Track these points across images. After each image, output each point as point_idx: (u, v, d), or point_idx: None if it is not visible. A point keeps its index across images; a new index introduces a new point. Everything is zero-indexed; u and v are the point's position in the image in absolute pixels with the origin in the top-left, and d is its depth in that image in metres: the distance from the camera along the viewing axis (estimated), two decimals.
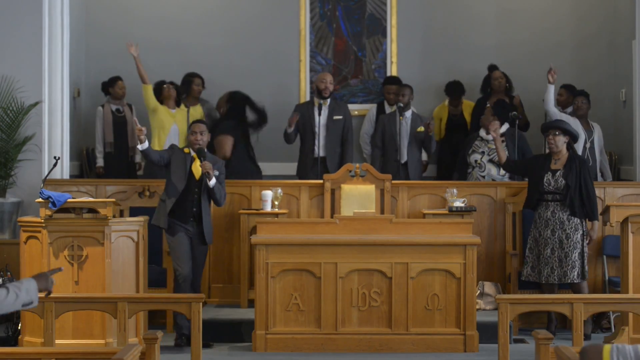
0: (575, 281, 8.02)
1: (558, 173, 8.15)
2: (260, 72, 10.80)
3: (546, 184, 8.18)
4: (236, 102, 9.74)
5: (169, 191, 7.74)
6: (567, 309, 6.13)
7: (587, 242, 8.11)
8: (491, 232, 8.92)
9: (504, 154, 8.69)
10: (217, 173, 7.76)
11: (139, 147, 7.71)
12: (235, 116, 9.69)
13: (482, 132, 9.29)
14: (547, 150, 8.52)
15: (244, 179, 9.25)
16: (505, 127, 9.24)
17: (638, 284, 7.60)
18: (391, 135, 9.67)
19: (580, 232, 8.06)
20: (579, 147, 9.25)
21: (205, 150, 7.84)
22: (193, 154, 7.77)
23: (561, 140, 8.21)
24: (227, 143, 9.58)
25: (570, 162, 8.15)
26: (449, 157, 10.18)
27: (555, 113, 9.29)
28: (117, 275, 7.32)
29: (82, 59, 10.79)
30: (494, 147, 9.16)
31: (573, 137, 8.34)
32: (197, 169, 7.74)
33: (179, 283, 7.67)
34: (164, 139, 9.63)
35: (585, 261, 8.06)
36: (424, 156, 10.26)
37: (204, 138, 7.82)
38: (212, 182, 7.68)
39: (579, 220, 8.07)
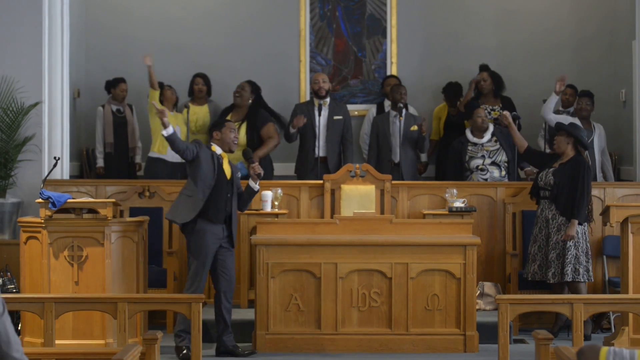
0: (550, 281, 8.04)
1: (551, 170, 8.17)
2: (260, 72, 10.79)
3: (539, 179, 8.21)
4: (257, 91, 9.77)
5: (198, 189, 7.33)
6: (567, 309, 6.13)
7: (586, 241, 8.07)
8: (491, 233, 8.92)
9: (524, 141, 8.67)
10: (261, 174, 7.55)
11: (164, 132, 7.26)
12: (261, 105, 9.72)
13: (470, 135, 9.29)
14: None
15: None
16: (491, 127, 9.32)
17: (638, 284, 7.60)
18: (385, 135, 9.69)
19: (562, 233, 8.05)
20: None
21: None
22: (220, 152, 7.47)
23: (563, 142, 8.19)
24: (275, 131, 9.63)
25: (568, 162, 8.15)
26: (448, 157, 10.18)
27: (552, 121, 9.27)
28: (117, 275, 7.32)
29: (82, 59, 10.79)
30: (492, 148, 9.18)
31: (580, 142, 8.23)
32: (227, 168, 7.48)
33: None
34: (162, 143, 9.58)
35: (564, 263, 7.99)
36: (423, 157, 10.28)
37: (238, 137, 7.54)
38: (258, 185, 7.51)
39: (563, 221, 8.05)
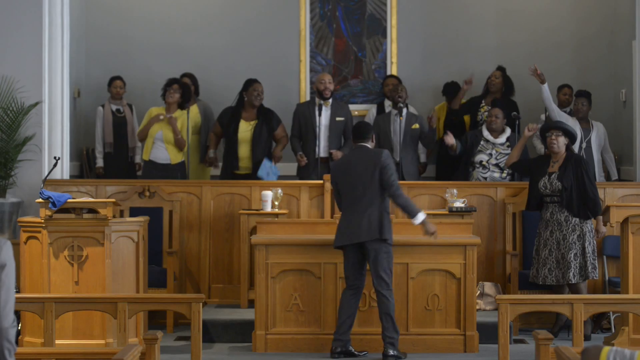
0: (571, 281, 8.00)
1: (553, 176, 8.15)
2: (260, 72, 10.77)
3: (542, 188, 8.18)
4: None
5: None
6: (567, 309, 6.13)
7: (594, 239, 8.06)
8: (491, 233, 8.91)
9: (518, 156, 8.70)
10: None
11: (418, 220, 7.31)
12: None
13: (486, 133, 9.30)
14: (546, 151, 8.53)
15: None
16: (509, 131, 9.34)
17: (638, 284, 7.59)
18: (386, 134, 9.69)
19: (578, 232, 8.04)
20: (575, 147, 9.26)
21: None
22: None
23: (562, 141, 8.22)
24: (285, 130, 9.95)
25: (566, 163, 8.15)
26: (448, 157, 10.18)
27: (555, 109, 9.29)
28: (117, 275, 7.31)
29: (82, 60, 10.79)
30: (501, 151, 9.20)
31: (572, 139, 8.36)
32: None
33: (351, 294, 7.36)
34: (150, 147, 9.52)
35: (585, 261, 8.01)
36: (422, 157, 10.27)
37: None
38: None
39: (577, 221, 8.06)
